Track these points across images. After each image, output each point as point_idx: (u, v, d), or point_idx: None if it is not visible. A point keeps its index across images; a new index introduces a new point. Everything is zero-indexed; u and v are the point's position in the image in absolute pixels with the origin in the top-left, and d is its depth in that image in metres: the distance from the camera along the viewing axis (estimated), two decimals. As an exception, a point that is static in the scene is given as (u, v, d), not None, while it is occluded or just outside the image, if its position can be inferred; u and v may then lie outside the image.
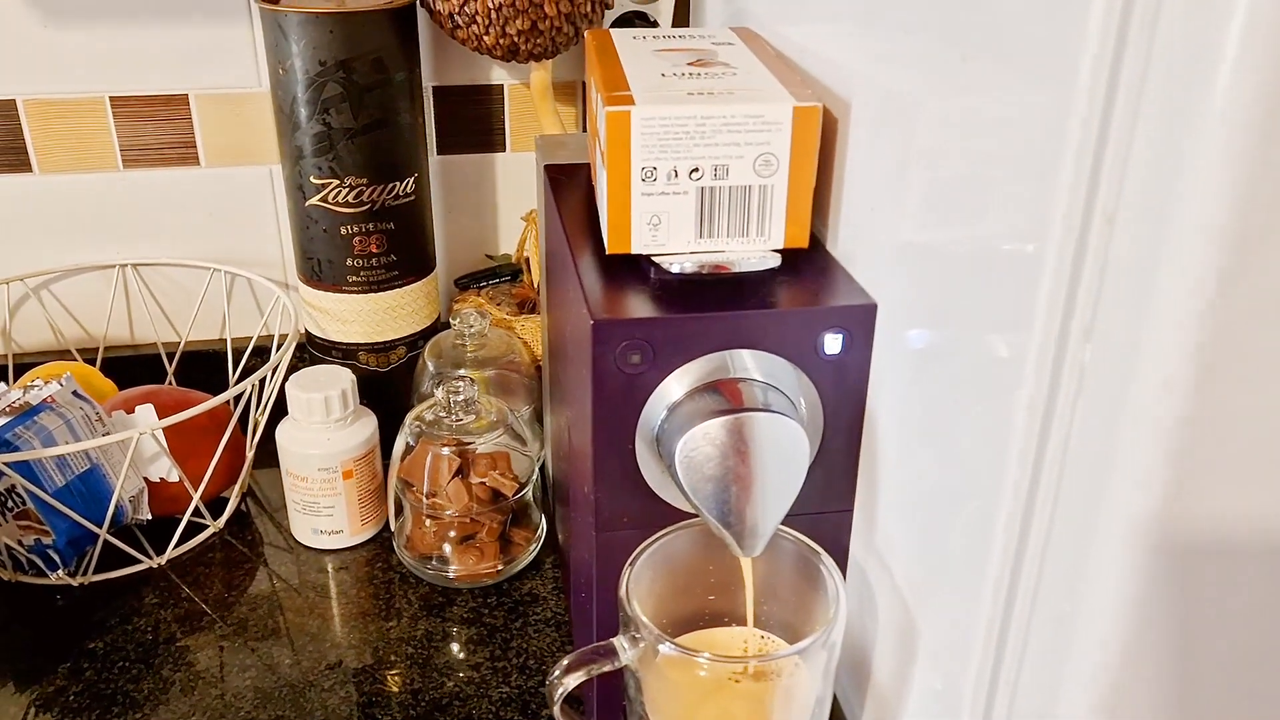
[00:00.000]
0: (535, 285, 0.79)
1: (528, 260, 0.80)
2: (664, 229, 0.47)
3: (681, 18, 0.78)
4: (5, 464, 0.58)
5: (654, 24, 0.77)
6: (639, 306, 0.45)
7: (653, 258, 0.47)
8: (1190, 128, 0.26)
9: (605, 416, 0.45)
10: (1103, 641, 0.32)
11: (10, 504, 0.61)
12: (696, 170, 0.46)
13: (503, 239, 0.86)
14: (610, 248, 0.47)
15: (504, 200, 0.85)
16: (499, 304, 0.80)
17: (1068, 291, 0.31)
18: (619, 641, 0.44)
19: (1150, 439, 0.28)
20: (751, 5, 0.64)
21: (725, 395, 0.44)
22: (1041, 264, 0.32)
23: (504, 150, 0.83)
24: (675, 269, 0.46)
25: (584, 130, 0.83)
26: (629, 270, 0.48)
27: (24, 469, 0.60)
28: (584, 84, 0.81)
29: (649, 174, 0.46)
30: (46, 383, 0.64)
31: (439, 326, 0.79)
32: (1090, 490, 0.31)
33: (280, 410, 0.70)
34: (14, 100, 0.75)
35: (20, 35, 0.73)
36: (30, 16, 0.73)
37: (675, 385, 0.45)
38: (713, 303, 0.45)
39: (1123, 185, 0.28)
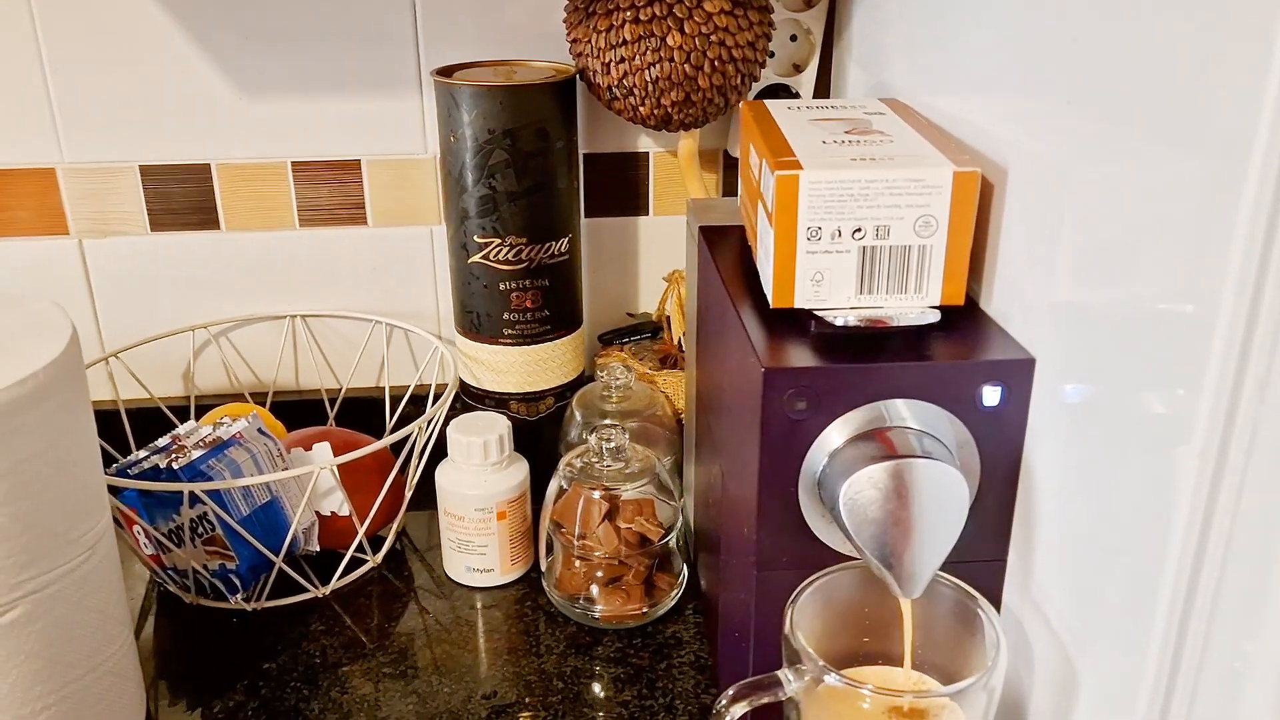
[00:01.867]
0: (677, 342, 0.83)
1: (668, 318, 0.84)
2: (826, 285, 0.50)
3: (823, 90, 0.82)
4: (202, 491, 0.64)
5: (796, 95, 0.81)
6: (804, 356, 0.48)
7: (815, 312, 0.50)
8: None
9: (770, 460, 0.48)
10: (1275, 700, 0.33)
11: (201, 530, 0.67)
12: (859, 230, 0.49)
13: (643, 298, 0.90)
14: (775, 302, 0.50)
15: (645, 261, 0.89)
16: (641, 359, 0.83)
17: (1240, 349, 0.33)
18: (784, 674, 0.46)
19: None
20: (896, 78, 0.67)
21: (887, 442, 0.46)
22: (1213, 323, 0.34)
23: (647, 214, 0.87)
24: (839, 322, 0.48)
25: (728, 195, 0.87)
26: (791, 324, 0.51)
27: (216, 498, 0.65)
28: (726, 152, 0.85)
29: (814, 233, 0.49)
30: (235, 420, 0.70)
31: (584, 379, 0.83)
32: (1264, 538, 0.33)
33: (435, 455, 0.74)
34: (209, 164, 0.82)
35: (217, 106, 0.80)
36: (227, 90, 0.80)
37: (836, 432, 0.48)
38: (874, 354, 0.48)
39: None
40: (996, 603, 0.51)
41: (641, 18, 0.69)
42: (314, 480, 0.67)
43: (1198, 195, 0.36)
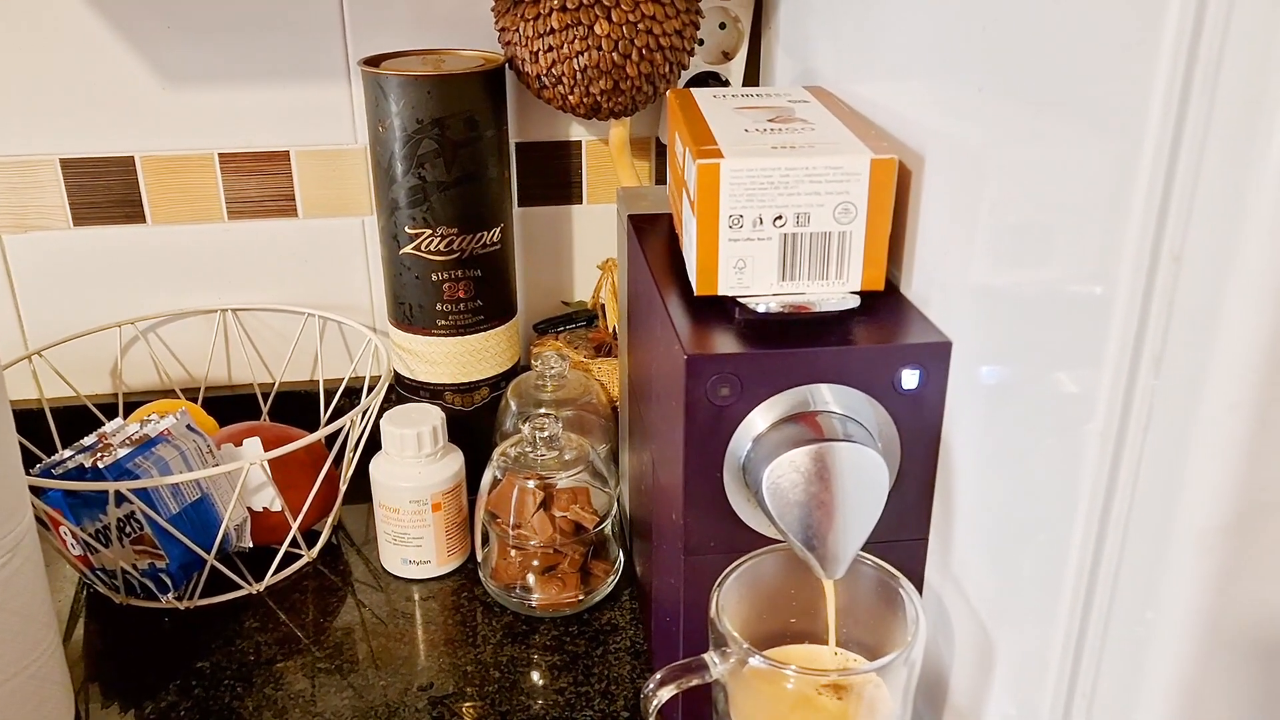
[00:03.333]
0: (611, 330, 0.83)
1: (603, 306, 0.84)
2: (749, 272, 0.51)
3: (752, 77, 0.82)
4: (128, 490, 0.63)
5: (726, 83, 0.81)
6: (727, 343, 0.48)
7: (738, 299, 0.50)
8: (1250, 174, 0.29)
9: (695, 446, 0.49)
10: (1177, 657, 0.35)
11: (129, 529, 0.66)
12: (780, 218, 0.50)
13: (578, 286, 0.90)
14: (699, 290, 0.51)
15: (579, 250, 0.89)
16: (576, 348, 0.83)
17: (1138, 328, 0.34)
18: (709, 656, 0.46)
19: (1217, 457, 0.31)
20: (822, 65, 0.68)
21: (809, 426, 0.47)
22: (1111, 302, 0.35)
23: (580, 202, 0.87)
24: (761, 309, 0.49)
25: (659, 183, 0.88)
26: (715, 311, 0.51)
27: (144, 496, 0.64)
28: (658, 139, 0.86)
29: (736, 221, 0.49)
30: (162, 417, 0.69)
31: (519, 369, 0.83)
32: (1161, 510, 0.34)
33: (369, 448, 0.74)
34: (133, 157, 0.81)
35: (141, 98, 0.79)
36: (151, 80, 0.79)
37: (760, 417, 0.48)
38: (796, 340, 0.48)
39: (1188, 229, 0.31)
40: (918, 581, 0.53)
41: (569, 6, 0.69)
42: (244, 476, 0.67)
43: (1100, 179, 0.37)
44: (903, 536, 0.51)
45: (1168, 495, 0.33)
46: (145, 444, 0.66)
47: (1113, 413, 0.36)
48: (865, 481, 0.46)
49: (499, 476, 0.70)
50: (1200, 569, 0.33)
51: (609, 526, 0.71)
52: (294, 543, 0.73)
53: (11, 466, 0.53)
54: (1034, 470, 0.43)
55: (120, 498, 0.64)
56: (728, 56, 0.81)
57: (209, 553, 0.68)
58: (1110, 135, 0.35)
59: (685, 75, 0.79)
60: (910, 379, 0.48)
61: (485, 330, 0.79)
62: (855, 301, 0.49)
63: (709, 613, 0.47)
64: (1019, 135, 0.42)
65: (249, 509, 0.71)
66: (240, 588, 0.71)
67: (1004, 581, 0.45)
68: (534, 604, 0.70)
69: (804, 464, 0.46)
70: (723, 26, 0.81)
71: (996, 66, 0.43)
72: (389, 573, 0.74)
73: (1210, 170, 0.30)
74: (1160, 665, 0.35)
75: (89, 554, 0.68)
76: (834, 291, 0.51)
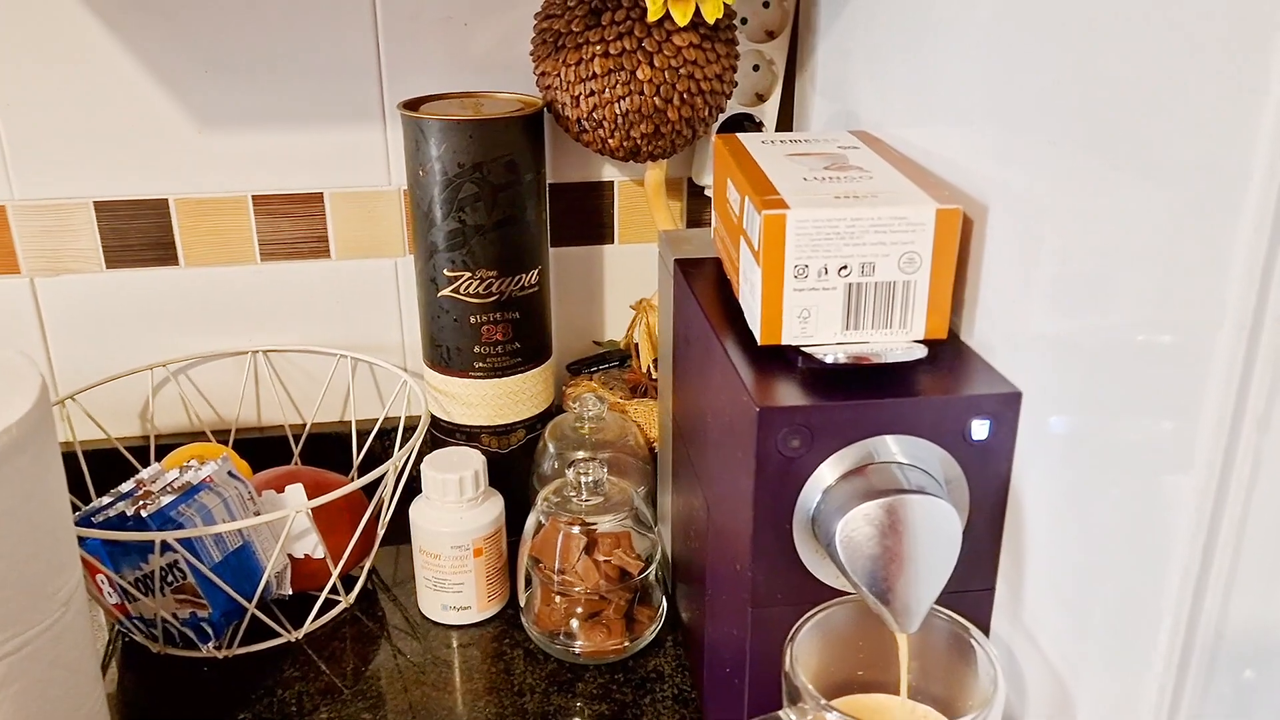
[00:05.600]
0: (646, 370, 0.83)
1: (636, 346, 0.84)
2: (813, 322, 0.50)
3: (785, 119, 0.82)
4: (174, 540, 0.62)
5: (760, 125, 0.81)
6: (796, 394, 0.48)
7: (802, 348, 0.50)
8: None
9: (765, 498, 0.48)
10: None
11: (171, 578, 0.65)
12: (845, 268, 0.49)
13: (609, 326, 0.90)
14: (763, 339, 0.51)
15: (610, 289, 0.89)
16: (611, 388, 0.83)
17: (1240, 383, 0.34)
18: (785, 714, 0.46)
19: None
20: (864, 109, 0.68)
21: (880, 478, 0.47)
22: (1209, 356, 0.35)
23: (612, 242, 0.87)
24: (829, 359, 0.49)
25: (692, 223, 0.88)
26: (777, 361, 0.51)
27: (187, 545, 0.64)
28: (690, 180, 0.86)
29: (801, 272, 0.49)
30: (203, 463, 0.68)
31: (553, 411, 0.82)
32: (1270, 572, 0.34)
33: (408, 490, 0.74)
34: (166, 199, 0.80)
35: (176, 140, 0.79)
36: (186, 124, 0.79)
37: (829, 469, 0.48)
38: (865, 390, 0.48)
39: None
40: (985, 631, 0.52)
41: (611, 51, 0.69)
42: (289, 524, 0.66)
43: (1175, 226, 0.37)
44: (970, 587, 0.51)
45: (1276, 553, 0.33)
46: (188, 491, 0.65)
47: (1213, 467, 0.36)
48: (938, 534, 0.46)
49: (543, 521, 0.70)
50: (1312, 631, 0.32)
51: (653, 572, 0.70)
52: (332, 589, 0.72)
53: (64, 519, 0.52)
54: (1110, 519, 0.42)
55: (165, 546, 0.63)
56: (761, 99, 0.82)
57: (250, 601, 0.67)
58: (1190, 184, 0.35)
59: (720, 118, 0.79)
60: (980, 429, 0.48)
61: (522, 372, 0.78)
62: (922, 352, 0.49)
63: (783, 666, 0.47)
64: (1093, 186, 0.42)
65: (289, 556, 0.70)
66: (280, 635, 0.70)
67: (1083, 632, 0.45)
68: (578, 651, 0.69)
69: (877, 516, 0.45)
70: (756, 69, 0.81)
71: (1070, 118, 0.43)
72: (428, 619, 0.74)
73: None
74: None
75: (127, 602, 0.67)
76: (897, 341, 0.51)
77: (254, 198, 0.81)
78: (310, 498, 0.69)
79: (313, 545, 0.69)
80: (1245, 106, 0.33)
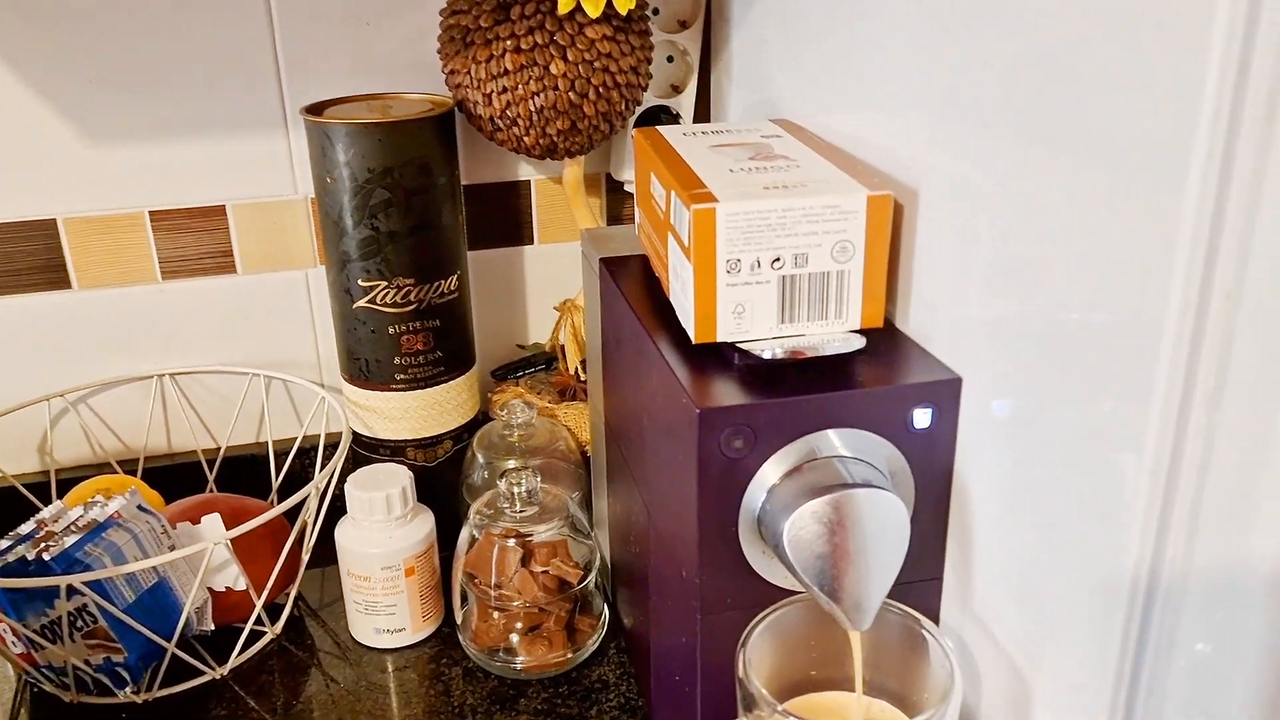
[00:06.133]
0: (573, 372, 0.81)
1: (562, 348, 0.82)
2: (747, 317, 0.49)
3: (703, 111, 0.81)
4: (83, 583, 0.58)
5: (677, 116, 0.80)
6: (736, 393, 0.47)
7: (738, 345, 0.49)
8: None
9: (709, 502, 0.47)
10: (1251, 690, 0.34)
11: (80, 623, 0.61)
12: (778, 260, 0.48)
13: (532, 328, 0.88)
14: (697, 337, 0.49)
15: (532, 291, 0.87)
16: (539, 393, 0.81)
17: (1188, 361, 0.34)
18: (741, 722, 0.45)
19: (1291, 495, 0.31)
20: (782, 98, 0.67)
21: (826, 473, 0.46)
22: (1158, 335, 0.35)
23: (532, 243, 0.85)
24: (766, 354, 0.48)
25: (612, 221, 0.86)
26: (713, 358, 0.50)
27: (96, 587, 0.60)
28: (609, 176, 0.84)
29: (734, 266, 0.48)
30: (109, 498, 0.64)
31: (480, 419, 0.80)
32: (1228, 543, 0.33)
33: (332, 512, 0.70)
34: (54, 220, 0.76)
35: (60, 155, 0.74)
36: (71, 137, 0.74)
37: (774, 467, 0.47)
38: (805, 385, 0.47)
39: (1245, 264, 0.31)
40: (935, 621, 0.52)
41: (523, 46, 0.67)
42: (207, 558, 0.62)
43: (1115, 205, 0.36)
44: (917, 578, 0.50)
45: (1235, 527, 0.33)
46: (94, 530, 0.61)
47: (1163, 445, 0.35)
48: (886, 527, 0.45)
49: (476, 535, 0.67)
50: (1273, 601, 0.32)
51: (593, 580, 0.68)
52: (256, 620, 0.69)
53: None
54: (1062, 502, 0.42)
55: (71, 590, 0.59)
56: (677, 90, 0.80)
57: (170, 641, 0.63)
58: (1146, 166, 0.35)
59: (637, 111, 0.78)
60: (923, 418, 0.47)
61: (446, 381, 0.76)
62: (861, 342, 0.48)
63: (736, 672, 0.45)
64: (1030, 168, 0.41)
65: (209, 589, 0.67)
66: (203, 674, 0.66)
67: (1037, 617, 0.44)
68: (519, 666, 0.67)
69: (825, 513, 0.44)
70: (671, 60, 0.80)
71: (1002, 100, 0.43)
72: (360, 643, 0.71)
73: (1271, 202, 0.30)
74: (1228, 700, 0.34)
75: (33, 650, 0.63)
76: (834, 332, 0.50)
77: (151, 213, 0.77)
78: (229, 527, 0.65)
79: (234, 577, 0.66)
80: (1184, 83, 0.32)
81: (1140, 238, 0.35)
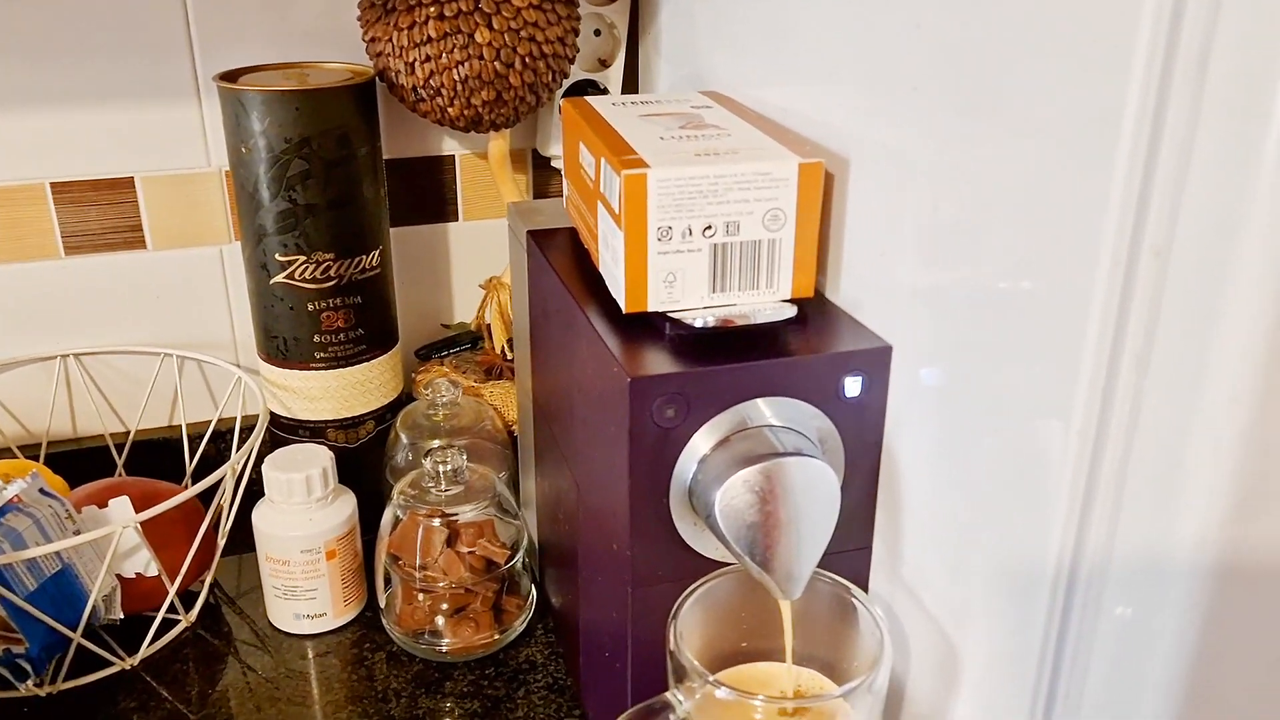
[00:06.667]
0: (500, 351, 0.79)
1: (488, 327, 0.80)
2: (679, 286, 0.48)
3: (630, 85, 0.80)
4: (-21, 570, 0.55)
5: (604, 91, 0.79)
6: (667, 362, 0.46)
7: (670, 314, 0.48)
8: (1249, 162, 0.28)
9: (640, 473, 0.46)
10: (1167, 665, 0.34)
11: (-22, 613, 0.58)
12: (710, 228, 0.48)
13: (457, 307, 0.86)
14: (628, 306, 0.48)
15: (457, 269, 0.85)
16: (464, 372, 0.79)
17: (1117, 323, 0.34)
18: (673, 695, 0.44)
19: (1217, 453, 0.31)
20: (712, 71, 0.66)
21: (757, 443, 0.45)
22: (1087, 299, 0.35)
23: (457, 220, 0.83)
24: (697, 323, 0.47)
25: (539, 195, 0.84)
26: (644, 328, 0.49)
27: (-5, 574, 0.57)
28: (535, 151, 0.82)
29: (665, 233, 0.47)
30: (8, 482, 0.61)
31: (403, 399, 0.78)
32: (1153, 511, 0.33)
33: (249, 495, 0.68)
34: (-53, 190, 0.72)
35: (-46, 123, 0.70)
36: (-34, 104, 0.70)
37: (705, 437, 0.46)
38: (737, 354, 0.46)
39: (1175, 223, 0.31)
40: (863, 589, 0.52)
41: (446, 14, 0.65)
42: (115, 542, 0.60)
43: (1044, 171, 0.36)
44: (847, 546, 0.50)
45: (1159, 493, 0.33)
46: (-7, 514, 0.58)
47: (1091, 411, 0.35)
48: (817, 495, 0.45)
49: (400, 515, 0.66)
50: (1198, 566, 0.32)
51: (520, 560, 0.67)
52: (170, 608, 0.66)
53: None
54: (989, 469, 0.42)
55: (-32, 578, 0.56)
56: (605, 64, 0.79)
57: (75, 630, 0.60)
58: (1078, 129, 0.35)
59: (564, 84, 0.76)
60: (854, 386, 0.47)
61: (367, 360, 0.74)
62: (792, 311, 0.48)
63: (667, 645, 0.44)
64: (958, 134, 0.41)
65: (118, 576, 0.64)
66: (112, 664, 0.64)
67: (965, 584, 0.44)
68: (445, 649, 0.65)
69: (756, 482, 0.44)
70: (598, 33, 0.79)
71: (933, 66, 0.42)
72: (279, 630, 0.68)
73: (1201, 157, 0.30)
74: (1154, 665, 0.35)
75: (-73, 644, 0.60)
76: (765, 301, 0.49)
77: (53, 185, 0.73)
78: (138, 510, 0.62)
79: (144, 563, 0.63)
80: (1117, 46, 0.32)
81: (1070, 203, 0.35)
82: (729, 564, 0.48)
